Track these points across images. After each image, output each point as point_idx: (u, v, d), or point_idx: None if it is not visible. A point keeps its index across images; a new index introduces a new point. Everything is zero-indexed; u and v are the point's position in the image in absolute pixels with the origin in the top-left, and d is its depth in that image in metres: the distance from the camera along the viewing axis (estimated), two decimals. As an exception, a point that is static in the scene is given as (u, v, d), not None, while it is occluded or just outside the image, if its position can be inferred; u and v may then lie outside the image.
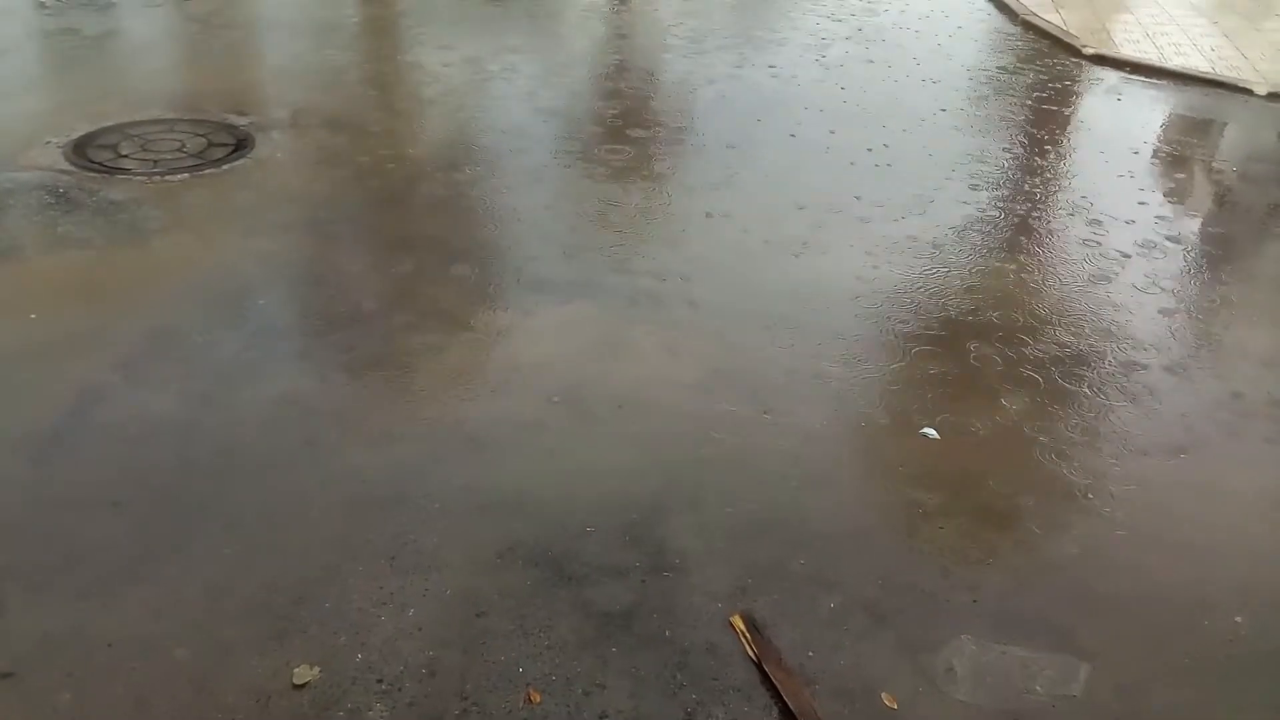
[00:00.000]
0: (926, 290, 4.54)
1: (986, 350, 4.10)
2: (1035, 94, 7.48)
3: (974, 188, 5.70)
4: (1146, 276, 4.83)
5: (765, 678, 2.56)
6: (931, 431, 3.55)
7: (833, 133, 6.37)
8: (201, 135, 5.54)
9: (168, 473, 3.13)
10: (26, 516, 2.92)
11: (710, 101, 6.83)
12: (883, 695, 2.57)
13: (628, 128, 6.20)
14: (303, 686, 2.46)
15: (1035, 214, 5.47)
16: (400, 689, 2.48)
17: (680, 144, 6.11)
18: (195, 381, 3.54)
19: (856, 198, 5.42)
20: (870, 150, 6.13)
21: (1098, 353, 4.15)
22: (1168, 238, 5.26)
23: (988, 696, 2.62)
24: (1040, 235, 5.23)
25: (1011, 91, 7.56)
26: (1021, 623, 2.84)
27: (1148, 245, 5.15)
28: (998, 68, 8.16)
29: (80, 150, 5.22)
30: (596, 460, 3.34)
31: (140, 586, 2.71)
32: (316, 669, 2.51)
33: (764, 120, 6.51)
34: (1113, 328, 4.35)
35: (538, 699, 2.48)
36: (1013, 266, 4.84)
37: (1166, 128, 7.09)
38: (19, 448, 3.17)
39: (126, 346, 3.69)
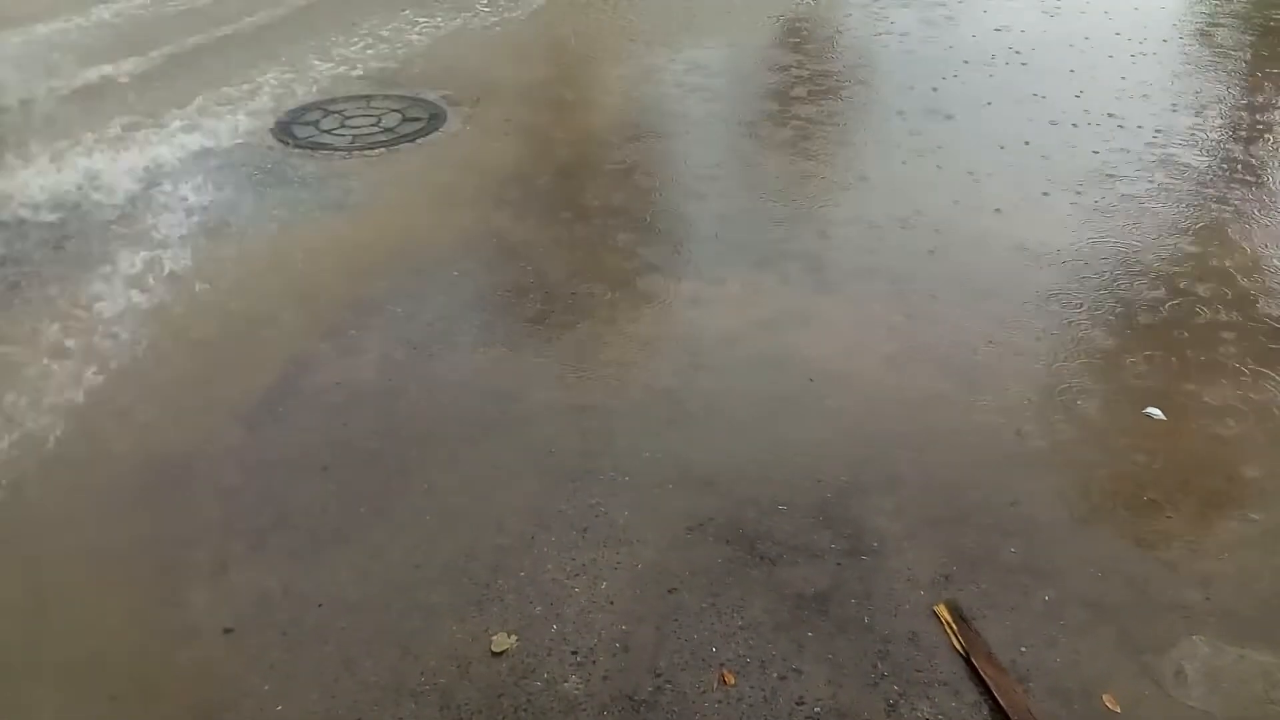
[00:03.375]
0: (1142, 250, 4.19)
1: (1217, 316, 3.74)
2: (1260, 35, 6.79)
3: (1182, 144, 5.22)
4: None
5: (974, 672, 2.41)
6: (1156, 411, 3.26)
7: (1031, 91, 5.97)
8: (397, 110, 5.71)
9: (371, 438, 3.23)
10: (244, 479, 3.07)
11: (899, 57, 6.52)
12: (1104, 697, 2.37)
13: (811, 95, 6.00)
14: (501, 654, 2.48)
15: (1251, 169, 4.96)
16: (594, 662, 2.47)
17: (867, 107, 5.86)
18: (396, 350, 3.64)
19: (1070, 145, 5.07)
20: (1077, 99, 5.71)
21: (1349, 326, 3.72)
22: None
23: (1223, 704, 2.38)
24: (1260, 193, 4.73)
25: (1233, 34, 6.89)
26: (1260, 625, 2.57)
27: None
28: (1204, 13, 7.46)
29: (284, 127, 5.48)
30: (787, 435, 3.24)
31: (347, 548, 2.81)
32: (514, 637, 2.53)
33: (959, 75, 6.16)
34: (1367, 298, 3.89)
35: (732, 680, 2.42)
36: (1238, 224, 4.40)
37: None
38: (235, 415, 3.33)
39: (331, 317, 3.84)
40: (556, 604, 2.63)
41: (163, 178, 4.92)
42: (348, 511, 2.93)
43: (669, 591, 2.67)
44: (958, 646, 2.48)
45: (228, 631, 2.56)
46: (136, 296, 3.97)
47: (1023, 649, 2.49)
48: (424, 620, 2.58)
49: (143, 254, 4.28)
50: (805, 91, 6.00)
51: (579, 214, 4.62)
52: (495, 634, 2.54)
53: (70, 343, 3.69)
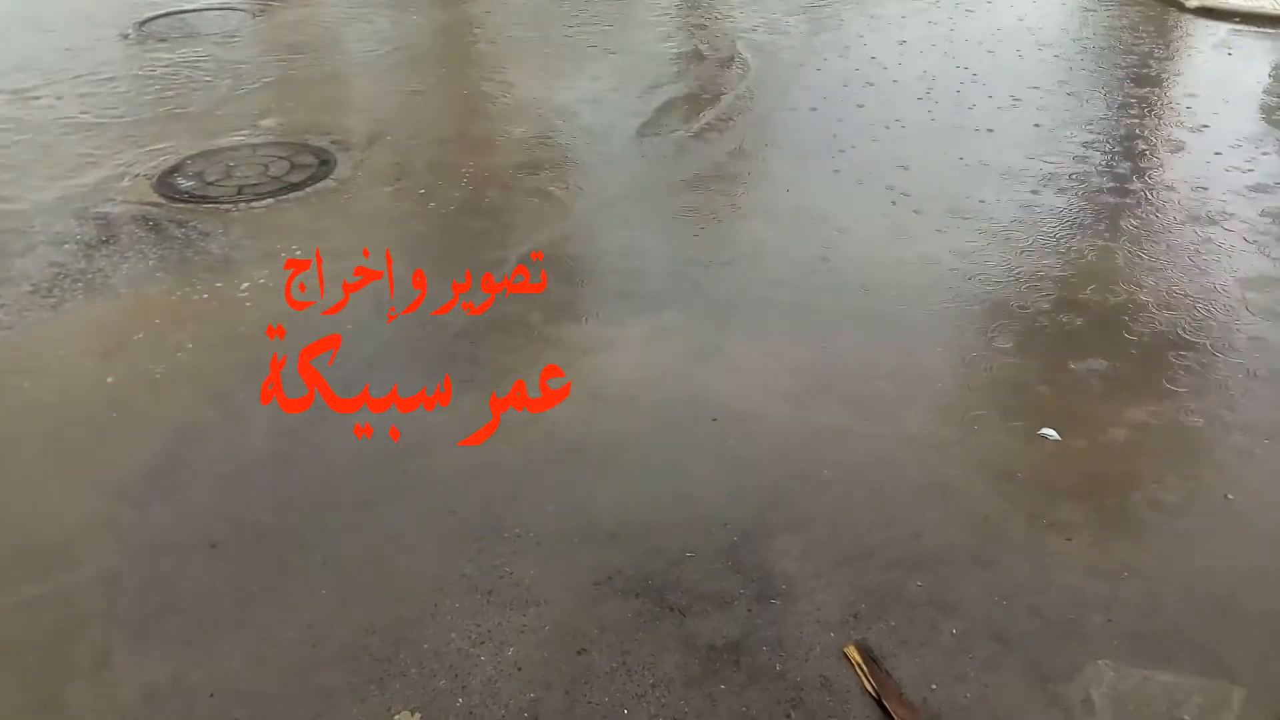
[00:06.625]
0: (1028, 274, 4.29)
1: (1101, 338, 3.85)
2: (1134, 53, 7.06)
3: (1072, 159, 5.39)
4: (1264, 247, 4.48)
5: (886, 715, 2.40)
6: (1051, 432, 3.32)
7: (898, 120, 6.11)
8: (284, 158, 5.56)
9: (264, 511, 3.10)
10: (129, 562, 2.92)
11: (800, 85, 6.61)
12: (1014, 730, 2.39)
13: (711, 127, 6.04)
14: (404, 735, 2.40)
15: (1139, 184, 5.14)
16: (503, 735, 2.40)
17: (769, 137, 5.92)
18: (287, 417, 3.51)
19: (959, 167, 5.18)
20: (959, 128, 5.85)
21: (1222, 337, 3.85)
22: (1296, 203, 4.89)
23: (1130, 727, 2.42)
24: (1146, 208, 4.90)
25: (1108, 52, 7.16)
26: (1162, 644, 2.62)
27: (1266, 214, 4.79)
28: (1091, 26, 7.74)
29: (168, 181, 5.28)
30: (692, 478, 3.21)
31: (240, 631, 2.68)
32: (418, 715, 2.44)
33: (847, 100, 6.27)
34: (1232, 308, 4.04)
35: (645, 743, 2.37)
36: (1117, 245, 4.55)
37: (1284, 81, 6.63)
38: (120, 491, 3.17)
39: (220, 381, 3.69)
40: (462, 675, 2.54)
41: (33, 232, 4.70)
42: (240, 592, 2.80)
43: (578, 653, 2.61)
44: (869, 688, 2.47)
45: (112, 732, 2.42)
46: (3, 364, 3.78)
47: (933, 686, 2.49)
48: (323, 704, 2.47)
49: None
50: (710, 121, 6.02)
51: (477, 257, 4.52)
52: (398, 713, 2.44)
53: (-64, 425, 3.49)
